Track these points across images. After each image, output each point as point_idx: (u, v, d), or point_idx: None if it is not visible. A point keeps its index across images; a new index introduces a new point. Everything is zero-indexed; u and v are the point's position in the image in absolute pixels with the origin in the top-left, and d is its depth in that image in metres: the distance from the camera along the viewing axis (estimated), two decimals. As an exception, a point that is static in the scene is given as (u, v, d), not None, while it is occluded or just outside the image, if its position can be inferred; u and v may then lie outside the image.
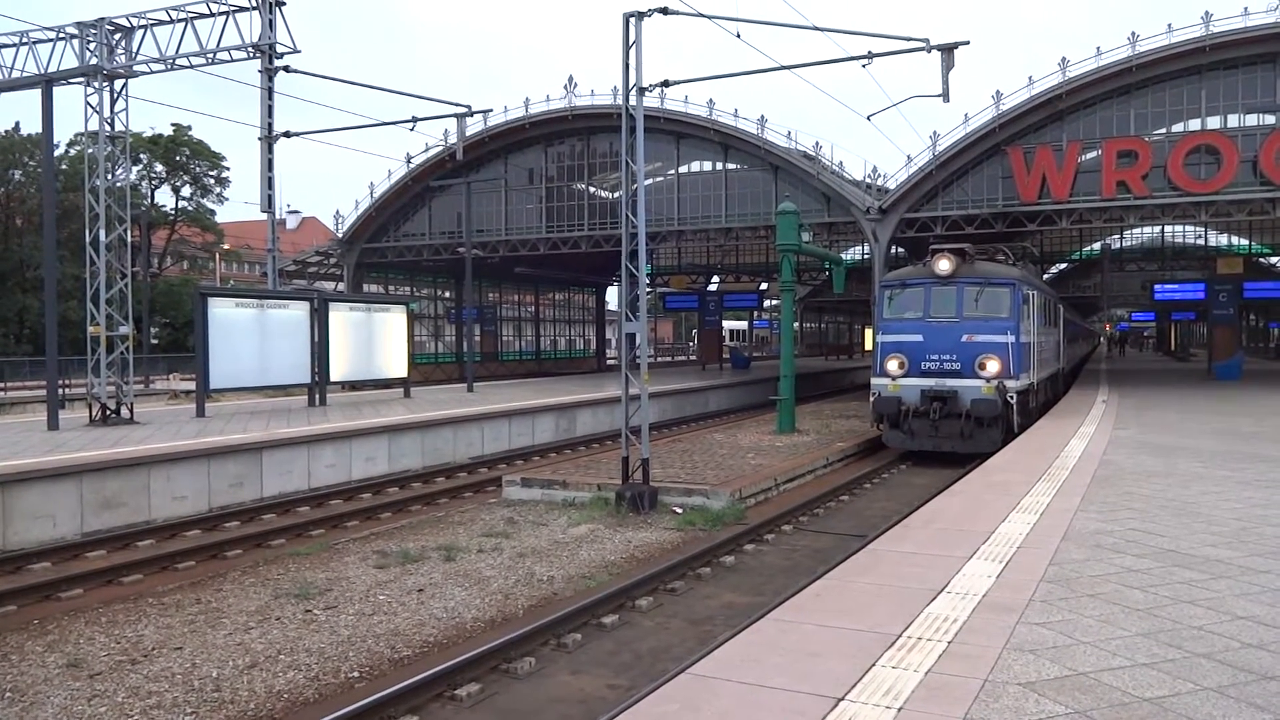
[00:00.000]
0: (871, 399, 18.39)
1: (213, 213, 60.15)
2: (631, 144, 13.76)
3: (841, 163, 36.33)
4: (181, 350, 48.59)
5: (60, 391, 20.25)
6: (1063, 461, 12.61)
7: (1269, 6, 25.20)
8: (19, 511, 11.91)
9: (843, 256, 36.32)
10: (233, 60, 18.94)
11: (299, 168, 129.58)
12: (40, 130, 19.26)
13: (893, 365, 17.94)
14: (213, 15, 18.48)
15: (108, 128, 18.66)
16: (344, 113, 44.06)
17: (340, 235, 37.34)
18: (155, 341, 49.71)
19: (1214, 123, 26.55)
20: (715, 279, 55.56)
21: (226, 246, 64.51)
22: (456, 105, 23.47)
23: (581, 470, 15.58)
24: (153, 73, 19.16)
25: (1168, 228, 51.71)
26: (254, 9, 18.46)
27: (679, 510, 13.16)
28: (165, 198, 57.83)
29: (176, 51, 18.58)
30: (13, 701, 6.76)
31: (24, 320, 50.23)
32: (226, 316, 19.34)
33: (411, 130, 23.49)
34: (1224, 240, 52.69)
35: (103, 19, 18.35)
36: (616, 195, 33.96)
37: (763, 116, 30.59)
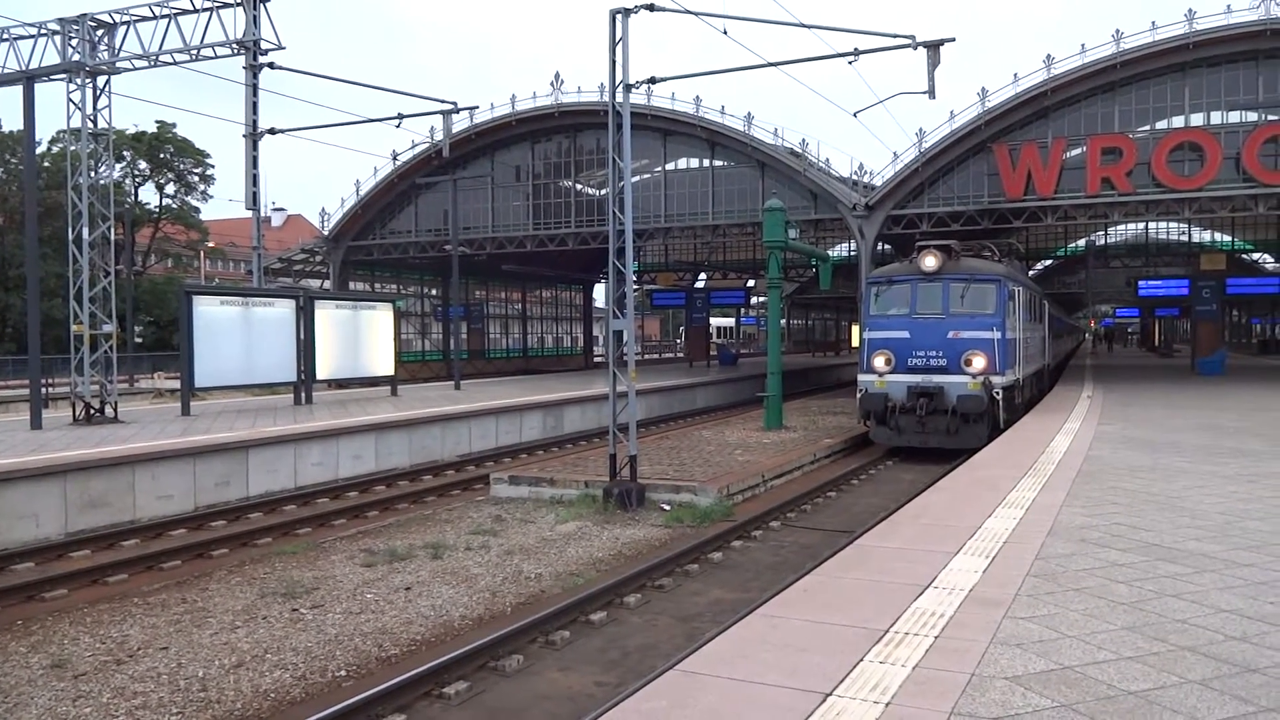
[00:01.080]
0: (858, 395, 18.44)
1: (197, 210, 59.88)
2: (618, 141, 13.74)
3: (828, 160, 36.34)
4: (166, 349, 48.33)
5: (44, 390, 20.12)
6: (1048, 457, 12.68)
7: (1251, 4, 25.38)
8: (2, 511, 11.81)
9: (829, 253, 36.42)
10: (217, 57, 18.81)
11: (284, 165, 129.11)
12: (22, 127, 19.09)
13: (879, 362, 17.99)
14: (196, 11, 18.36)
15: (90, 125, 18.51)
16: (330, 109, 43.82)
17: (326, 233, 37.16)
18: (139, 340, 49.41)
19: (1197, 120, 26.72)
20: (702, 276, 55.62)
21: (211, 244, 64.17)
22: (442, 102, 23.40)
23: (569, 468, 15.57)
24: (136, 69, 19.00)
25: (1152, 224, 52.06)
26: (238, 5, 18.35)
27: (667, 507, 13.16)
28: (149, 195, 57.55)
29: (160, 48, 18.43)
30: (-4, 703, 6.72)
31: (6, 319, 49.83)
32: (211, 315, 19.24)
33: (397, 127, 23.37)
34: (1207, 237, 53.06)
35: (85, 15, 18.19)
36: (603, 192, 33.93)
37: (750, 114, 30.65)
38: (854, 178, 31.37)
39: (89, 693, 6.86)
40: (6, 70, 18.44)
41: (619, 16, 13.52)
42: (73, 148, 19.08)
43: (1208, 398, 23.00)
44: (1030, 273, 52.17)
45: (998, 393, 17.22)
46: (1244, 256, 53.64)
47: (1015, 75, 27.34)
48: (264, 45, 18.76)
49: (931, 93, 16.18)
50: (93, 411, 18.14)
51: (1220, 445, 13.81)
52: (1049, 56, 26.80)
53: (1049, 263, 62.49)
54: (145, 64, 18.76)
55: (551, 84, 33.43)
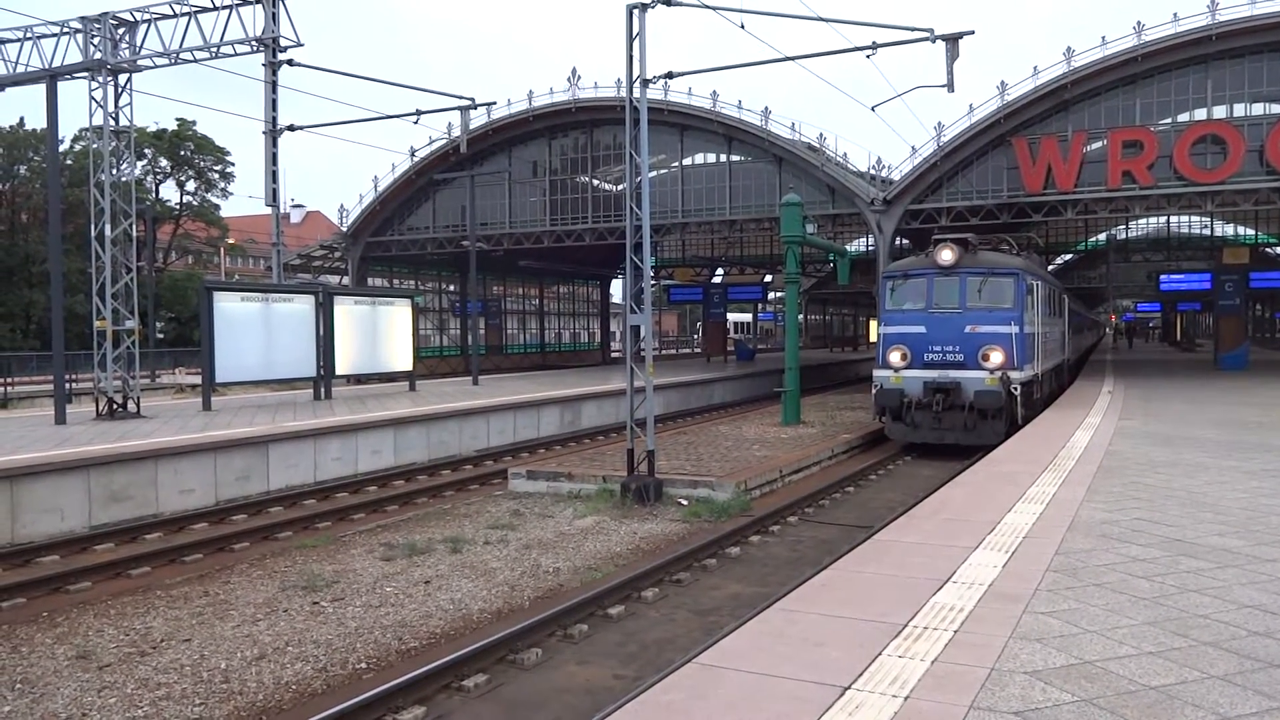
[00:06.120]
0: (874, 391, 18.35)
1: (217, 207, 60.33)
2: (635, 136, 13.73)
3: (846, 154, 36.23)
4: (187, 344, 48.74)
5: (67, 386, 20.32)
6: (1068, 452, 12.60)
7: (1275, -5, 25.05)
8: (28, 505, 11.97)
9: (847, 248, 36.26)
10: (236, 54, 18.91)
11: (303, 161, 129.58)
12: (45, 125, 19.28)
13: (895, 357, 17.89)
14: (216, 9, 18.46)
15: (112, 122, 18.66)
16: (347, 106, 44.14)
17: (344, 229, 37.35)
18: (161, 336, 49.82)
19: (1220, 112, 26.41)
20: (720, 271, 55.50)
21: (231, 241, 64.60)
22: (460, 98, 23.46)
23: (587, 462, 15.60)
24: (156, 67, 19.13)
25: (1173, 218, 51.58)
26: (257, 2, 18.43)
27: (684, 502, 13.18)
28: (170, 192, 58.01)
29: (180, 45, 18.55)
30: (23, 693, 6.81)
31: (30, 315, 50.36)
32: (232, 310, 19.39)
33: (415, 123, 23.43)
34: (1230, 230, 52.51)
35: (107, 13, 18.34)
36: (620, 188, 33.94)
37: (767, 108, 30.54)
38: (872, 172, 31.21)
39: (113, 683, 6.95)
40: (30, 69, 18.62)
41: (636, 11, 13.51)
42: (95, 145, 19.24)
43: (1230, 392, 22.78)
44: (1050, 267, 51.77)
45: (1016, 388, 17.09)
46: (1267, 250, 53.05)
47: (1035, 68, 27.17)
48: (283, 42, 18.84)
49: (950, 86, 16.10)
50: (115, 406, 18.32)
51: (1243, 440, 13.68)
52: (1069, 49, 26.59)
53: (1069, 257, 62.02)
54: (166, 62, 18.89)
55: (568, 80, 33.47)
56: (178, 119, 54.99)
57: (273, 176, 20.66)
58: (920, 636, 5.32)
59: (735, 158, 32.57)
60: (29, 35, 18.62)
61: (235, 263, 74.55)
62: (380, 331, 23.68)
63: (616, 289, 56.96)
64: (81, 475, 12.60)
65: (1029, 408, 17.96)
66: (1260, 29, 25.08)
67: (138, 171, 46.89)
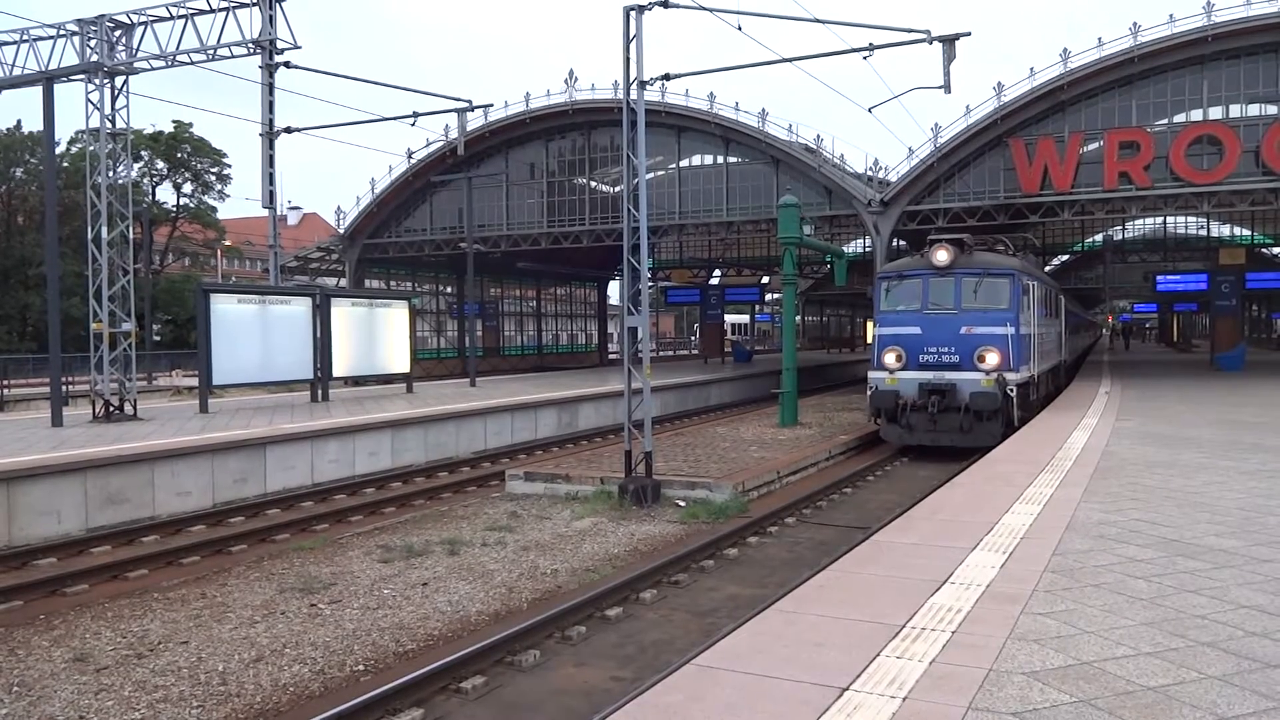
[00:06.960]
0: (869, 393, 18.31)
1: (214, 209, 60.19)
2: (633, 138, 13.74)
3: (843, 156, 36.21)
4: (184, 347, 48.61)
5: (64, 388, 20.30)
6: (1065, 453, 12.61)
7: (1270, -4, 25.12)
8: (24, 507, 11.94)
9: (844, 249, 36.30)
10: (233, 56, 18.88)
11: (300, 163, 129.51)
12: (42, 128, 19.26)
13: (890, 358, 17.86)
14: (213, 11, 18.44)
15: (109, 125, 18.64)
16: (345, 108, 43.98)
17: (342, 231, 37.34)
18: (158, 338, 49.77)
19: (1216, 113, 26.48)
20: (717, 272, 55.52)
21: (228, 243, 64.54)
22: (457, 100, 23.48)
23: (584, 464, 15.59)
24: (153, 69, 19.11)
25: (1170, 218, 51.67)
26: (254, 5, 18.41)
27: (682, 503, 13.18)
28: (166, 194, 57.93)
29: (177, 48, 18.53)
30: (20, 695, 6.79)
31: (27, 318, 50.26)
32: (229, 312, 19.37)
33: (413, 125, 23.47)
34: (1226, 231, 52.61)
35: (103, 16, 18.32)
36: (618, 189, 33.94)
37: (764, 110, 30.58)
38: (869, 173, 31.27)
39: (111, 686, 6.93)
40: (27, 71, 18.60)
41: (633, 13, 13.51)
42: (91, 148, 19.22)
43: (1227, 393, 22.82)
44: (1047, 268, 51.85)
45: (1012, 389, 17.07)
46: (1264, 250, 53.16)
47: (1031, 70, 27.23)
48: (280, 45, 18.81)
49: (947, 87, 16.12)
50: (112, 409, 18.29)
51: (1239, 440, 13.70)
52: (1065, 50, 26.65)
53: (1066, 258, 62.12)
54: (163, 64, 18.87)
55: (565, 82, 33.50)
56: (174, 121, 54.91)
57: (269, 179, 20.63)
58: (918, 637, 5.33)
59: (732, 159, 32.61)
60: (25, 38, 18.60)
61: (232, 265, 74.51)
62: (377, 333, 23.67)
63: (614, 290, 56.93)
64: (78, 477, 12.58)
65: (1025, 409, 17.95)
66: (1256, 30, 25.16)
67: (134, 173, 46.89)
